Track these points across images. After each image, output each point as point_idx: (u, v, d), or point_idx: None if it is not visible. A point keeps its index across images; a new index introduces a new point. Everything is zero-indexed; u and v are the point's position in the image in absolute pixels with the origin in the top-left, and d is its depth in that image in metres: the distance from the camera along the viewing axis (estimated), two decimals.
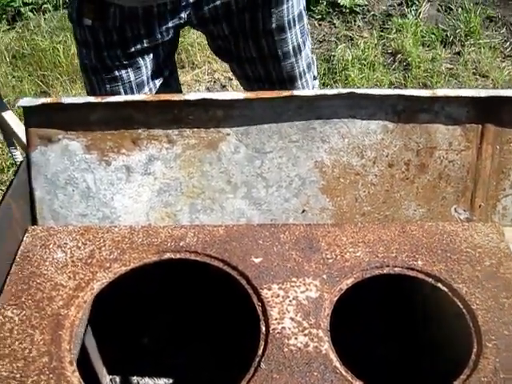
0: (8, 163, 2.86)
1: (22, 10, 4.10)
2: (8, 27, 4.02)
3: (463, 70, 3.55)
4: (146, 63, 1.62)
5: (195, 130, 1.25)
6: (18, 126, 1.59)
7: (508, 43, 3.85)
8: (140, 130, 1.25)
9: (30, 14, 4.06)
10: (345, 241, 1.22)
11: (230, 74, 3.43)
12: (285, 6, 1.60)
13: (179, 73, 3.45)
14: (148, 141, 1.25)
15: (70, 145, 1.26)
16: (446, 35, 3.87)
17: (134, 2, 1.49)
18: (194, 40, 3.71)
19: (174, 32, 1.65)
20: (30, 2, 4.12)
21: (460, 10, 4.03)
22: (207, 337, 1.40)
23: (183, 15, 1.60)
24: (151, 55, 1.63)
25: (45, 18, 3.99)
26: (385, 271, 1.18)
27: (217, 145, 1.25)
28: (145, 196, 1.27)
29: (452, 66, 3.61)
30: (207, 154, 1.26)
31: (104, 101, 1.24)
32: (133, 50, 1.59)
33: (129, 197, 1.27)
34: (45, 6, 4.12)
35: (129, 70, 1.61)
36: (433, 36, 3.81)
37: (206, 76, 3.49)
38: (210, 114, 1.24)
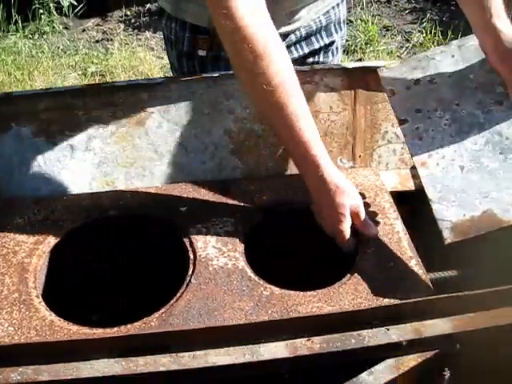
0: None
1: None
2: None
3: None
4: None
5: (125, 110, 1.52)
6: None
7: (404, 48, 4.26)
8: (80, 114, 1.51)
9: None
10: (253, 189, 1.52)
11: None
12: None
13: None
14: (87, 122, 1.52)
15: (21, 130, 1.52)
16: (349, 44, 4.26)
17: None
18: (117, 62, 3.98)
19: None
20: None
21: (359, 21, 4.43)
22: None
23: None
24: None
25: None
26: (286, 208, 1.48)
27: (144, 122, 1.53)
28: (87, 169, 1.54)
29: None
30: (136, 130, 1.54)
31: (49, 91, 1.51)
32: None
33: (73, 171, 1.53)
34: None
35: None
36: None
37: None
38: (136, 97, 1.52)
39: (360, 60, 4.12)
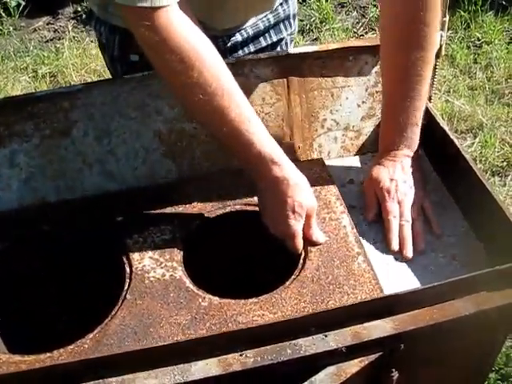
0: None
1: None
2: None
3: None
4: None
5: (48, 121, 1.45)
6: None
7: (360, 24, 4.19)
8: (1, 130, 1.43)
9: None
10: (192, 191, 1.46)
11: None
12: None
13: None
14: (9, 137, 1.44)
15: None
16: (304, 25, 4.18)
17: None
18: (68, 62, 3.89)
19: None
20: None
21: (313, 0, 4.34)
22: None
23: None
24: None
25: None
26: (227, 210, 1.42)
27: (68, 131, 1.46)
28: (14, 186, 1.46)
29: None
30: (62, 141, 1.46)
31: None
32: None
33: (1, 190, 1.46)
34: None
35: None
36: None
37: None
38: (58, 107, 1.44)
39: (316, 39, 4.05)
